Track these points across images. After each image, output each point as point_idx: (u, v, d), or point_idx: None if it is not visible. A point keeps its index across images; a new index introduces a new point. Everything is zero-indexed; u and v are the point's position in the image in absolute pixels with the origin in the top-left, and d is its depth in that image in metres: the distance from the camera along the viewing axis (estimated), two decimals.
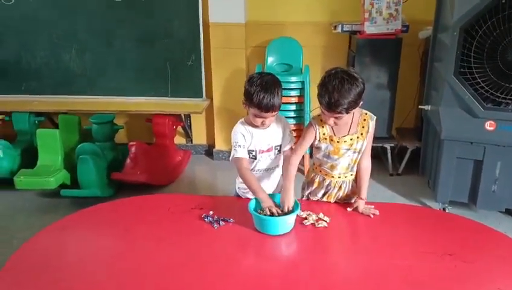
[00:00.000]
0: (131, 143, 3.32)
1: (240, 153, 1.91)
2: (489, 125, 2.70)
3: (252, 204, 1.80)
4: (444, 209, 3.01)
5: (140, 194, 2.88)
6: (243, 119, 1.98)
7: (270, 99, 1.78)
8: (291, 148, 2.00)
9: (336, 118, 1.77)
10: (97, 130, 3.51)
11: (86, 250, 1.66)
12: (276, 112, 1.85)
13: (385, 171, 3.65)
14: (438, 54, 3.03)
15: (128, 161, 3.28)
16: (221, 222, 1.80)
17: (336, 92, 1.68)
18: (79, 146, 3.18)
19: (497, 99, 2.64)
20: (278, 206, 1.79)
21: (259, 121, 1.86)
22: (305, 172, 3.18)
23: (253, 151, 1.95)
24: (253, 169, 2.00)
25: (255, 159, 1.97)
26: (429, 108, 3.08)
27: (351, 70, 1.79)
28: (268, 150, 1.96)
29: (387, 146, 3.58)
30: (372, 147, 1.95)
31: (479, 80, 2.62)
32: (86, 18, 3.62)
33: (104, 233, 1.79)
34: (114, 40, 3.67)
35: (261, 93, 1.77)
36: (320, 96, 1.75)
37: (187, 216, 1.84)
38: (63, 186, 3.18)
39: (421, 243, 1.67)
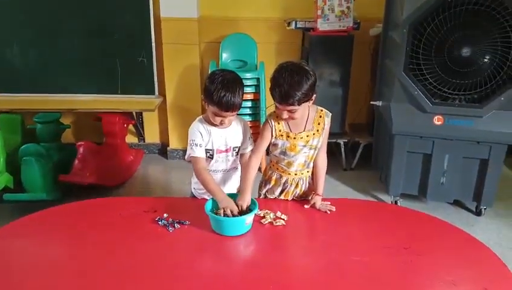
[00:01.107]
0: (80, 143, 3.17)
1: (197, 152, 1.85)
2: (437, 120, 2.79)
3: (208, 205, 1.75)
4: (395, 202, 3.10)
5: (90, 197, 2.75)
6: (201, 116, 1.92)
7: (230, 98, 1.73)
8: (249, 157, 1.96)
9: (289, 111, 1.75)
10: (42, 130, 3.32)
11: (31, 259, 1.54)
12: (236, 112, 1.81)
13: (339, 166, 3.70)
14: (388, 51, 3.09)
15: (76, 161, 3.13)
16: (176, 225, 1.73)
17: (286, 84, 1.68)
18: (22, 147, 2.99)
19: (444, 94, 2.73)
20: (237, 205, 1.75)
21: (218, 120, 1.81)
22: (262, 170, 3.15)
23: (210, 150, 1.90)
24: (210, 170, 1.94)
25: (212, 158, 1.91)
26: (380, 104, 3.14)
27: (302, 63, 1.80)
28: (226, 151, 1.92)
29: (341, 141, 3.63)
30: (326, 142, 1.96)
31: (428, 76, 2.70)
32: (28, 11, 3.42)
33: (51, 241, 1.67)
34: (59, 35, 3.49)
35: (221, 91, 1.72)
36: (272, 89, 1.75)
37: (140, 220, 1.76)
38: (5, 190, 2.98)
39: (377, 237, 1.68)
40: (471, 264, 1.56)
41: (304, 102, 1.74)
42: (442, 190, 2.96)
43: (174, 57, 3.60)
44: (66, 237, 1.68)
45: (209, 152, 1.90)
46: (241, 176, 2.00)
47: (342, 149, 3.65)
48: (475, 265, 1.55)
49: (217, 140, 1.88)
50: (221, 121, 1.81)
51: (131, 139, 3.98)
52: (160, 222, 1.74)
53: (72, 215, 1.84)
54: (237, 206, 1.73)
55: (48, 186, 2.99)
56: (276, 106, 1.79)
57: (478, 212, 3.03)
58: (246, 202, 1.74)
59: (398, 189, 3.05)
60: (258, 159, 1.89)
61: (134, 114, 3.79)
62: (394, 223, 1.81)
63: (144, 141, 4.01)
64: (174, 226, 1.72)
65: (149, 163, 3.85)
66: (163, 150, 3.98)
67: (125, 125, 3.62)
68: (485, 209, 3.01)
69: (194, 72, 3.63)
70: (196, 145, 1.85)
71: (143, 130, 3.95)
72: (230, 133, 1.90)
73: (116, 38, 3.48)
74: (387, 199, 3.18)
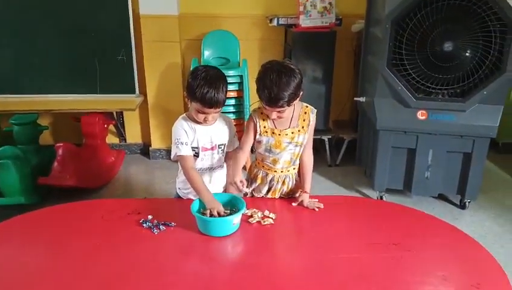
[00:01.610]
0: (58, 144, 3.07)
1: (184, 150, 1.80)
2: (421, 115, 2.80)
3: (195, 205, 1.70)
4: (381, 197, 3.11)
5: (70, 200, 2.66)
6: (184, 114, 1.87)
7: (214, 94, 1.69)
8: (235, 149, 1.94)
9: (278, 111, 1.73)
10: (19, 132, 3.22)
11: (10, 266, 1.47)
12: (219, 108, 1.77)
13: (324, 163, 3.69)
14: (370, 47, 3.10)
15: (55, 164, 3.03)
16: (161, 227, 1.68)
17: (275, 86, 1.65)
18: None
19: (427, 89, 2.74)
20: (225, 207, 1.71)
21: (201, 117, 1.77)
22: (247, 168, 3.12)
23: (196, 148, 1.85)
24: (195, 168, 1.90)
25: (198, 156, 1.87)
26: (364, 100, 3.15)
27: (287, 61, 1.78)
28: (211, 148, 1.88)
29: (325, 138, 3.63)
30: None
31: (411, 71, 2.71)
32: (3, 11, 3.30)
33: (31, 246, 1.60)
34: (36, 34, 3.40)
35: (204, 87, 1.68)
36: (259, 91, 1.71)
37: (123, 223, 1.70)
38: None
39: (366, 234, 1.67)
40: (462, 259, 1.55)
41: (293, 101, 1.72)
42: (427, 184, 2.97)
43: (155, 55, 3.53)
44: (46, 243, 1.61)
45: (194, 150, 1.85)
46: (227, 174, 1.96)
47: (327, 145, 3.65)
48: (466, 260, 1.55)
49: (202, 138, 1.84)
50: (205, 118, 1.77)
51: (112, 139, 3.89)
52: (144, 224, 1.69)
53: (51, 219, 1.77)
54: (233, 183, 1.76)
55: (27, 190, 2.90)
56: (263, 107, 1.76)
57: (462, 206, 3.06)
58: (238, 177, 1.78)
59: (383, 184, 3.05)
60: (245, 154, 1.87)
61: (114, 114, 3.70)
62: (382, 219, 1.80)
63: (126, 141, 3.93)
64: (159, 228, 1.67)
65: (131, 164, 3.77)
66: (145, 150, 3.90)
67: (105, 126, 3.53)
68: (469, 202, 3.04)
69: (176, 70, 3.56)
70: (182, 143, 1.80)
71: (124, 130, 3.87)
72: (215, 130, 1.86)
73: (94, 36, 3.40)
74: (373, 194, 3.18)
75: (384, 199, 3.10)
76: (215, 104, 1.72)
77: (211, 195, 1.73)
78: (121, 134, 3.87)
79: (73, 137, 3.59)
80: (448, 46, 2.62)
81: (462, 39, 2.62)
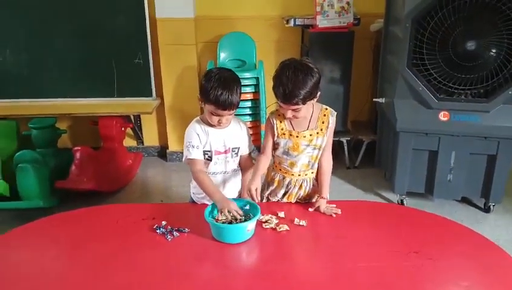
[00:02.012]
0: (76, 148, 3.09)
1: (194, 154, 1.78)
2: (443, 116, 2.71)
3: (208, 210, 1.67)
4: (401, 200, 3.03)
5: (88, 203, 2.67)
6: (198, 117, 1.86)
7: (228, 96, 1.67)
8: (249, 154, 1.92)
9: (293, 110, 1.69)
10: (37, 136, 3.24)
11: (25, 272, 1.47)
12: (233, 110, 1.74)
13: (342, 165, 3.63)
14: (390, 47, 3.02)
15: (73, 167, 3.05)
16: (175, 233, 1.66)
17: (290, 83, 1.62)
18: (17, 154, 2.91)
19: (449, 90, 2.65)
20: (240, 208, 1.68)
21: (215, 119, 1.74)
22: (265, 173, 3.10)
23: (208, 152, 1.83)
24: (209, 172, 1.88)
25: (211, 160, 1.84)
26: (383, 101, 3.06)
27: (305, 60, 1.73)
28: (225, 152, 1.85)
29: (344, 140, 3.56)
30: None
31: (432, 71, 2.63)
32: (21, 14, 3.34)
33: (46, 251, 1.59)
34: (53, 38, 3.42)
35: (218, 89, 1.66)
36: (275, 88, 1.69)
37: (137, 228, 1.69)
38: (1, 198, 2.90)
39: (386, 241, 1.61)
40: (486, 268, 1.48)
41: (308, 100, 1.69)
42: (450, 187, 2.88)
43: (171, 58, 3.52)
44: (61, 248, 1.61)
45: (207, 154, 1.83)
46: (242, 179, 1.93)
47: (345, 147, 3.58)
48: (491, 269, 1.48)
49: (215, 141, 1.81)
50: (219, 120, 1.75)
51: (129, 142, 3.91)
52: (158, 230, 1.67)
53: (67, 224, 1.77)
54: (248, 190, 1.70)
55: (45, 193, 2.92)
56: (279, 105, 1.73)
57: (487, 209, 2.95)
58: (257, 186, 1.72)
59: (404, 187, 2.97)
60: (267, 158, 1.85)
61: (132, 117, 3.71)
62: (403, 225, 1.73)
63: (143, 144, 3.94)
64: (172, 235, 1.65)
65: (148, 166, 3.78)
66: (162, 152, 3.90)
67: (122, 129, 3.54)
68: (493, 206, 2.93)
69: (192, 72, 3.55)
70: (193, 147, 1.79)
71: (141, 133, 3.87)
72: (229, 133, 1.83)
73: (111, 40, 3.41)
74: (393, 197, 3.10)
75: (405, 202, 3.02)
76: (229, 106, 1.69)
77: (221, 195, 1.70)
78: (138, 137, 3.88)
79: (92, 140, 3.62)
80: (471, 45, 2.53)
81: (485, 38, 2.53)
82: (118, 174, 3.38)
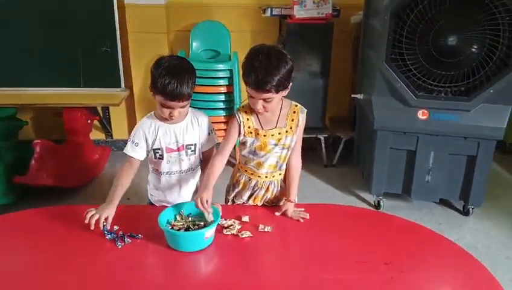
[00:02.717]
0: (36, 141, 2.88)
1: (132, 151, 1.67)
2: (422, 114, 2.61)
3: (163, 216, 1.52)
4: (378, 201, 2.92)
5: (49, 199, 2.51)
6: (152, 112, 1.71)
7: (176, 86, 1.53)
8: (212, 149, 1.76)
9: (264, 100, 1.55)
10: None
11: None
12: (185, 102, 1.60)
13: (319, 163, 3.51)
14: (369, 40, 2.91)
15: (32, 162, 2.85)
16: (126, 239, 1.51)
17: (262, 69, 1.49)
18: None
19: (429, 87, 2.55)
20: (197, 217, 1.55)
21: (166, 112, 1.60)
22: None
23: (158, 150, 1.69)
24: (162, 172, 1.74)
25: (162, 159, 1.70)
26: (362, 97, 2.96)
27: (278, 46, 1.60)
28: (178, 150, 1.70)
29: (321, 137, 3.44)
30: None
31: (411, 67, 2.52)
32: None
33: None
34: (14, 23, 3.20)
35: (166, 77, 1.52)
36: (245, 75, 1.54)
37: (86, 233, 1.53)
38: None
39: (355, 251, 1.49)
40: (462, 282, 1.37)
41: (281, 90, 1.55)
42: (428, 188, 2.78)
43: (141, 46, 3.35)
44: None
45: (157, 152, 1.69)
46: (199, 178, 1.78)
47: (323, 144, 3.45)
48: (466, 283, 1.37)
49: (165, 137, 1.67)
50: (170, 113, 1.60)
51: (98, 135, 3.72)
52: (108, 236, 1.52)
53: (6, 228, 1.61)
54: (200, 199, 1.51)
55: (1, 189, 2.74)
56: (249, 96, 1.59)
57: (466, 212, 2.86)
58: (209, 196, 1.54)
59: (381, 188, 2.87)
60: (223, 159, 1.66)
61: (100, 109, 3.52)
62: (374, 232, 1.62)
63: (112, 137, 3.75)
64: (123, 241, 1.51)
65: (117, 161, 3.58)
66: None
67: (88, 121, 3.35)
68: (473, 208, 2.84)
69: None
70: (133, 143, 1.67)
71: (110, 126, 3.69)
72: (182, 128, 1.69)
73: (77, 26, 3.21)
74: (370, 197, 3.00)
75: (381, 203, 2.91)
76: (178, 96, 1.55)
77: (110, 200, 1.59)
78: (106, 130, 3.69)
79: (57, 132, 3.42)
80: (452, 40, 2.42)
81: (467, 32, 2.42)
82: (82, 169, 3.19)
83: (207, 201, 1.52)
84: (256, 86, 1.52)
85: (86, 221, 1.53)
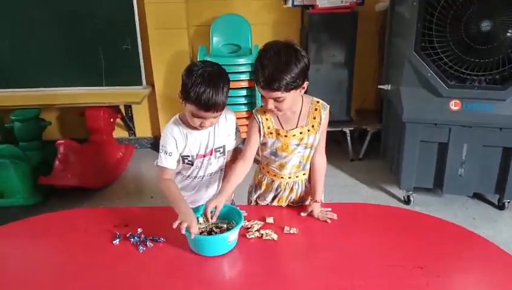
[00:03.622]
0: (59, 142, 2.90)
1: (166, 162, 1.57)
2: (454, 105, 2.49)
3: None
4: (408, 197, 2.82)
5: (74, 198, 2.50)
6: (177, 116, 1.62)
7: (212, 95, 1.42)
8: (237, 148, 1.69)
9: (275, 100, 1.46)
10: (20, 128, 3.08)
11: None
12: (218, 113, 1.50)
13: (345, 157, 3.41)
14: (396, 28, 2.80)
15: (56, 162, 2.87)
16: (148, 243, 1.48)
17: (271, 65, 1.39)
18: None
19: (461, 76, 2.44)
20: (221, 220, 1.50)
21: (197, 122, 1.50)
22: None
23: (188, 156, 1.62)
24: (191, 176, 1.69)
25: (192, 165, 1.64)
26: (389, 88, 2.86)
27: (292, 42, 1.49)
28: (207, 154, 1.64)
29: (347, 130, 3.34)
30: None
31: (442, 56, 2.42)
32: (0, 1, 3.14)
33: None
34: (35, 24, 3.22)
35: (201, 86, 1.41)
36: (255, 74, 1.46)
37: (107, 237, 1.50)
38: None
39: (387, 254, 1.41)
40: (503, 287, 1.27)
41: (292, 89, 1.44)
42: (461, 182, 2.66)
43: (162, 43, 3.31)
44: (14, 265, 1.43)
45: (187, 158, 1.62)
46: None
47: (348, 138, 3.35)
48: (509, 287, 1.27)
49: (194, 144, 1.60)
50: (201, 123, 1.51)
51: (121, 133, 3.72)
52: (132, 239, 1.49)
53: (28, 233, 1.59)
54: (206, 207, 1.45)
55: (27, 190, 2.77)
56: (261, 95, 1.50)
57: (501, 206, 2.73)
58: (216, 203, 1.47)
59: (411, 182, 2.75)
60: (245, 166, 1.59)
61: (122, 107, 3.51)
62: (407, 233, 1.53)
63: (135, 135, 3.74)
64: (145, 245, 1.47)
65: (141, 159, 3.59)
66: (155, 144, 3.71)
67: (111, 120, 3.35)
68: (508, 202, 2.71)
69: (184, 58, 3.34)
70: (166, 153, 1.57)
71: (133, 124, 3.68)
72: (211, 132, 1.61)
73: (97, 24, 3.20)
74: (399, 192, 2.89)
75: (411, 199, 2.80)
76: (212, 106, 1.45)
77: (186, 206, 1.49)
78: (129, 128, 3.68)
79: (80, 132, 3.44)
80: (485, 25, 2.30)
81: (502, 17, 2.29)
82: (106, 168, 3.20)
83: (215, 208, 1.46)
84: (264, 84, 1.43)
85: (206, 227, 1.48)
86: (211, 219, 1.46)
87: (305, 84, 1.48)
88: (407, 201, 2.82)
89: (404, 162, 2.70)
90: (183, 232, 1.39)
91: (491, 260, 1.40)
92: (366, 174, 3.20)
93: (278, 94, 1.43)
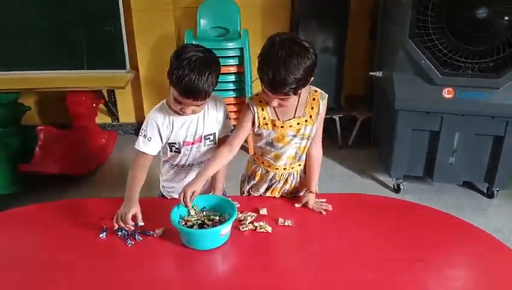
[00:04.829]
0: (40, 128, 2.78)
1: (144, 146, 1.50)
2: (447, 93, 2.46)
3: (175, 212, 1.40)
4: (398, 185, 2.80)
5: (55, 188, 2.40)
6: (165, 101, 1.54)
7: (194, 81, 1.35)
8: (226, 136, 1.61)
9: (281, 99, 1.39)
10: None
11: None
12: (200, 101, 1.43)
13: (334, 144, 3.37)
14: (390, 13, 2.75)
15: (37, 149, 2.75)
16: (137, 237, 1.41)
17: (282, 68, 1.30)
18: None
19: (455, 63, 2.41)
20: (213, 212, 1.45)
21: (177, 106, 1.45)
22: (250, 150, 2.82)
23: (174, 144, 1.54)
24: (180, 165, 1.62)
25: (179, 152, 1.56)
26: (381, 74, 2.82)
27: (300, 38, 1.39)
28: (196, 142, 1.56)
29: (336, 117, 3.29)
30: None
31: (437, 42, 2.37)
32: None
33: None
34: (13, 4, 3.06)
35: (185, 70, 1.34)
36: (261, 71, 1.36)
37: (92, 230, 1.43)
38: None
39: (384, 246, 1.38)
40: (506, 281, 1.25)
41: (301, 89, 1.38)
42: (451, 170, 2.65)
43: (146, 25, 3.19)
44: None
45: (173, 146, 1.55)
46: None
47: (337, 125, 3.31)
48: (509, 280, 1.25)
49: (181, 131, 1.52)
50: (182, 108, 1.44)
51: (104, 119, 3.60)
52: (120, 233, 1.42)
53: (6, 227, 1.51)
54: (184, 193, 1.38)
55: (5, 179, 2.65)
56: (263, 91, 1.42)
57: (490, 195, 2.74)
58: (197, 189, 1.40)
59: (401, 171, 2.74)
60: (230, 154, 1.51)
61: (105, 92, 3.39)
62: (404, 224, 1.50)
63: (118, 121, 3.63)
64: (134, 238, 1.40)
65: (125, 145, 3.47)
66: (139, 130, 3.59)
67: (94, 105, 3.23)
68: (497, 191, 2.71)
69: (170, 41, 3.23)
70: (145, 137, 1.50)
71: (116, 109, 3.56)
72: (199, 119, 1.54)
73: (79, 5, 3.05)
74: (389, 180, 2.87)
75: (401, 187, 2.78)
76: (192, 93, 1.38)
77: (132, 196, 1.44)
78: (113, 113, 3.57)
79: (62, 117, 3.30)
80: (482, 12, 2.25)
81: (498, 3, 2.25)
82: (88, 155, 3.09)
83: (193, 194, 1.39)
84: (272, 87, 1.35)
85: (116, 227, 1.41)
86: (189, 203, 1.38)
87: (311, 80, 1.41)
88: (397, 189, 2.80)
89: (395, 150, 2.67)
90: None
91: (493, 253, 1.37)
92: (355, 162, 3.17)
93: (286, 96, 1.38)
